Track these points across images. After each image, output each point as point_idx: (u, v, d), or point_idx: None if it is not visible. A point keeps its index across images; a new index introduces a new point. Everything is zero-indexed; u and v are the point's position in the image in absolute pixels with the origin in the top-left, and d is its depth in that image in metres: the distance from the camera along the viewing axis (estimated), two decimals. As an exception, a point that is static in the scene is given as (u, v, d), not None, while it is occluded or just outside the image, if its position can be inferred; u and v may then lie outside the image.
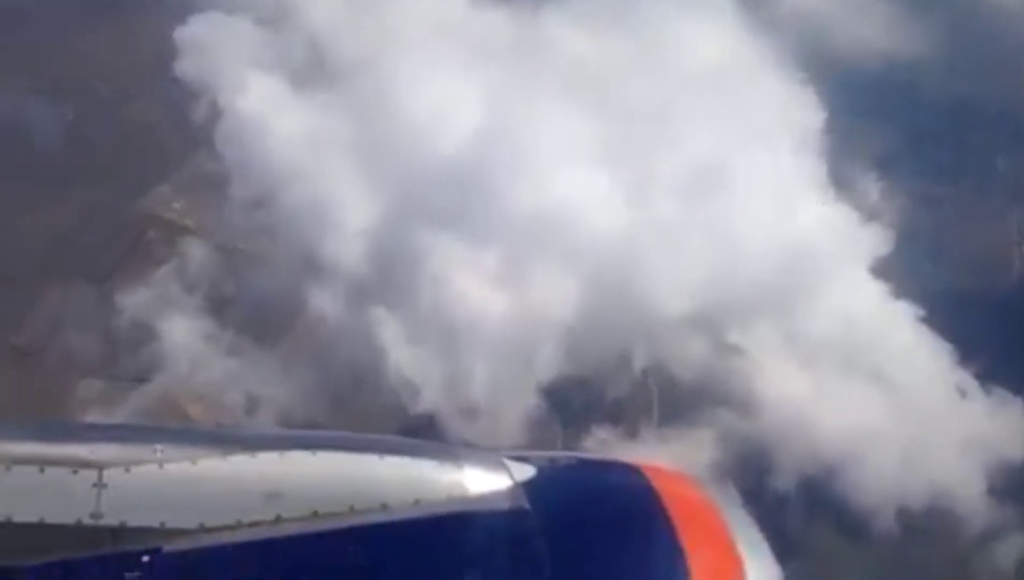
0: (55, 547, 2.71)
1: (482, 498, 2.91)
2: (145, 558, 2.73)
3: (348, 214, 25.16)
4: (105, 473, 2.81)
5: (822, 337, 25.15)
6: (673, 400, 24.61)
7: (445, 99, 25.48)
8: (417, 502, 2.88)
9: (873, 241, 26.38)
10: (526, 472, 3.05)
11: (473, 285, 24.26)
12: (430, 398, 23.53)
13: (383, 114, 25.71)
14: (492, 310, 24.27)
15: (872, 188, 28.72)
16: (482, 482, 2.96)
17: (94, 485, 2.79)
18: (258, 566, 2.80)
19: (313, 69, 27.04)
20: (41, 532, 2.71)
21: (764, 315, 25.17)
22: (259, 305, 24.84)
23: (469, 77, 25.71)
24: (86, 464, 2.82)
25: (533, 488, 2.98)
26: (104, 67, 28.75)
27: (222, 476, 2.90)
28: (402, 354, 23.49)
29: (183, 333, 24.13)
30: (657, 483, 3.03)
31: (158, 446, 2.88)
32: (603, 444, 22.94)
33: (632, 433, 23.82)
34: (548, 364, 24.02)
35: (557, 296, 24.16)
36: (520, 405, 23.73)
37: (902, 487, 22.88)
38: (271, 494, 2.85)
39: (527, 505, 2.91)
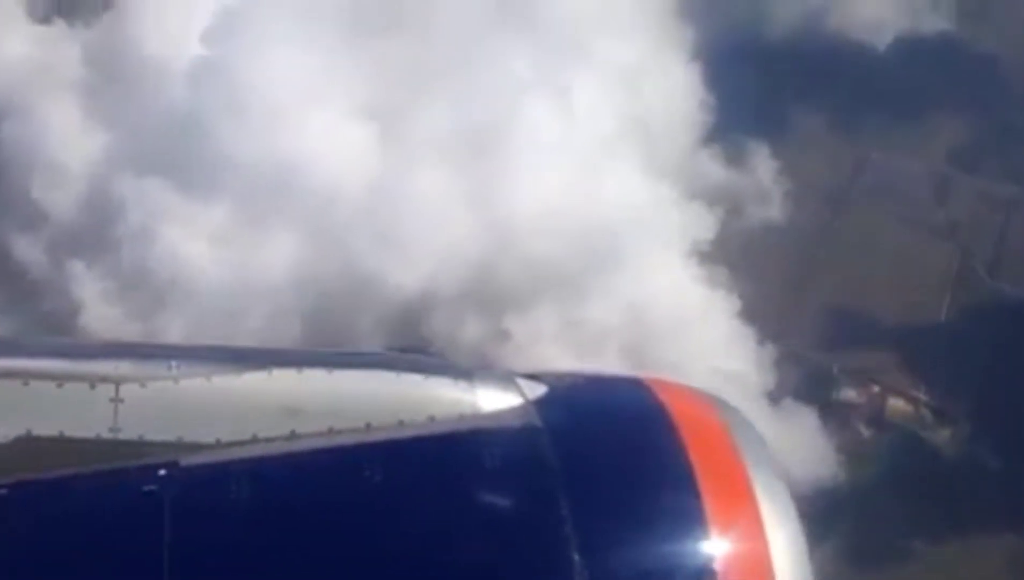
0: (75, 461, 2.70)
1: (495, 415, 2.89)
2: (162, 471, 2.68)
3: (61, 154, 22.69)
4: (122, 388, 2.79)
5: (612, 325, 20.44)
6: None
7: (175, 29, 23.04)
8: (431, 419, 2.83)
9: (697, 224, 21.73)
10: (538, 390, 2.98)
11: (186, 242, 20.97)
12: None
13: (110, 47, 23.55)
14: (205, 272, 20.77)
15: (764, 164, 25.85)
16: (495, 399, 2.93)
17: (111, 400, 2.77)
18: (274, 480, 2.74)
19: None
20: (61, 446, 2.71)
21: (548, 299, 20.77)
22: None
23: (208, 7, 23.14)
24: (103, 379, 2.79)
25: (545, 405, 2.93)
26: None
27: (238, 392, 2.84)
28: (97, 313, 20.28)
29: None
30: (668, 399, 2.95)
31: (173, 362, 2.86)
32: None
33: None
34: (268, 339, 20.07)
35: (285, 262, 20.47)
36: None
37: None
38: (287, 410, 2.79)
39: (538, 422, 2.85)
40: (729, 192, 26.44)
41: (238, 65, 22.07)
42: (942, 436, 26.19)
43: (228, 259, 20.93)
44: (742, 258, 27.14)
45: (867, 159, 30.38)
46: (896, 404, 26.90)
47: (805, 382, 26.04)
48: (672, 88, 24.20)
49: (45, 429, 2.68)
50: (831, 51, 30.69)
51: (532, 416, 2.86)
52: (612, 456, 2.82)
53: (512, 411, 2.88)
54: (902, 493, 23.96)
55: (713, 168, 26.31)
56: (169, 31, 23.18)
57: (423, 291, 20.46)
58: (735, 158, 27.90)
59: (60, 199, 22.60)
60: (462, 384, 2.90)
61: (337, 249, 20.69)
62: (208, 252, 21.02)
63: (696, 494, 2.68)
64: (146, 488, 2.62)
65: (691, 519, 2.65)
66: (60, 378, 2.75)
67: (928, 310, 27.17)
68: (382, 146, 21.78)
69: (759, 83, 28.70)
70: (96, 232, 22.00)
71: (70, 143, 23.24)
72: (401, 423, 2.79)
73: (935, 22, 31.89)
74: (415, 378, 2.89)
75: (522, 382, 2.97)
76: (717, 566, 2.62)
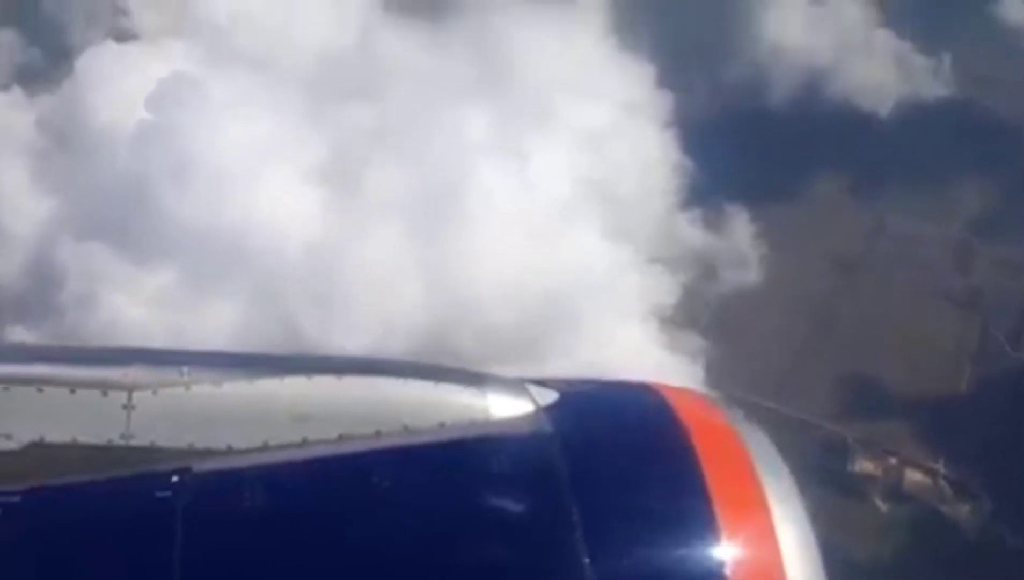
0: (87, 467, 2.70)
1: (505, 422, 2.87)
2: (175, 478, 2.68)
3: (7, 219, 22.50)
4: (134, 395, 2.78)
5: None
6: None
7: (128, 95, 22.85)
8: (441, 425, 2.82)
9: (658, 288, 20.98)
10: (548, 396, 2.95)
11: (129, 308, 20.36)
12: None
13: (63, 113, 23.47)
14: (146, 337, 20.10)
15: (742, 227, 25.45)
16: (505, 406, 2.91)
17: (124, 407, 2.77)
18: (285, 486, 2.73)
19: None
20: (73, 452, 2.72)
21: (503, 364, 19.69)
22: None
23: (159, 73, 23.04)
24: (115, 386, 2.79)
25: (555, 412, 2.91)
26: None
27: (249, 399, 2.83)
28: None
29: None
30: (678, 405, 2.93)
31: (185, 369, 2.85)
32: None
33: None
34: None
35: (228, 327, 19.78)
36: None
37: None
38: (298, 416, 2.79)
39: (550, 428, 2.84)
40: (709, 256, 25.70)
41: (183, 130, 21.73)
42: (962, 511, 25.08)
43: (170, 324, 20.14)
44: (750, 324, 26.28)
45: (881, 225, 29.54)
46: (914, 477, 25.80)
47: (819, 452, 24.88)
48: (644, 153, 23.53)
49: (58, 436, 2.68)
50: (834, 118, 30.25)
51: (543, 422, 2.82)
52: (623, 462, 2.79)
53: (523, 418, 2.85)
54: (920, 570, 22.83)
55: (693, 232, 25.61)
56: (122, 97, 23.02)
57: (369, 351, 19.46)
58: (721, 223, 27.24)
59: (4, 264, 22.15)
60: (472, 391, 2.87)
61: (280, 314, 19.91)
62: (150, 317, 20.25)
63: (708, 500, 2.64)
64: (158, 494, 2.61)
65: (703, 525, 2.61)
66: (73, 385, 2.73)
67: (948, 379, 26.29)
68: (333, 210, 21.21)
69: (764, 150, 28.17)
70: (39, 297, 21.62)
71: (17, 208, 22.96)
72: (412, 430, 2.76)
73: (935, 88, 31.38)
74: (425, 385, 2.86)
75: (533, 388, 2.93)
76: (729, 571, 2.58)
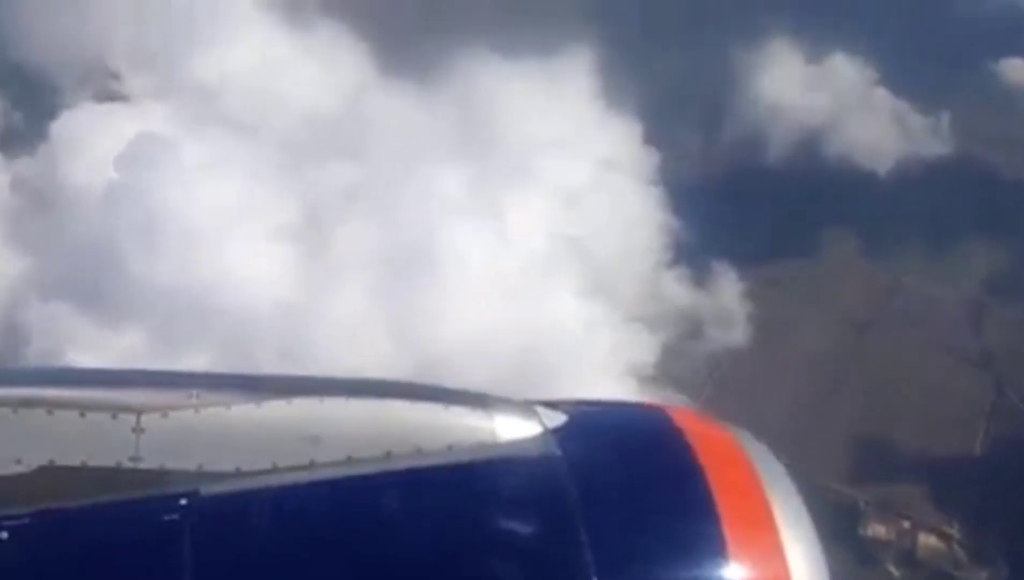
0: (96, 490, 2.73)
1: (514, 444, 2.90)
2: (183, 500, 2.70)
3: None
4: (143, 418, 2.79)
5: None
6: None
7: (101, 157, 22.61)
8: (450, 447, 2.85)
9: (639, 346, 20.38)
10: (556, 418, 2.98)
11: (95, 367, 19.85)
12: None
13: (38, 175, 23.22)
14: None
15: (731, 287, 24.92)
16: (514, 428, 2.93)
17: (133, 429, 2.78)
18: (294, 509, 2.75)
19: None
20: (83, 475, 2.74)
21: None
22: None
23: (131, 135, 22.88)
24: (125, 409, 2.80)
25: (564, 434, 2.94)
26: None
27: (257, 421, 2.84)
28: None
29: None
30: (687, 427, 2.98)
31: (194, 391, 2.87)
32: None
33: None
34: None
35: None
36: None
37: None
38: (306, 439, 2.81)
39: (558, 450, 2.88)
40: (697, 315, 25.25)
41: (151, 190, 21.57)
42: (978, 577, 24.45)
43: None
44: (749, 384, 25.72)
45: (889, 285, 29.27)
46: (928, 541, 25.17)
47: (829, 516, 23.90)
48: (628, 211, 23.24)
49: (68, 458, 2.67)
50: (832, 176, 30.06)
51: (551, 445, 2.82)
52: (631, 483, 2.77)
53: (531, 440, 2.85)
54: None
55: (679, 290, 25.20)
56: (98, 158, 22.95)
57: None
58: (710, 282, 26.85)
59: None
60: (481, 413, 2.86)
61: (246, 371, 19.32)
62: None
63: (716, 520, 2.64)
64: (167, 517, 2.61)
65: (712, 546, 2.62)
66: (82, 407, 2.71)
67: (962, 441, 25.76)
68: (307, 269, 20.93)
69: (762, 208, 27.93)
70: (6, 356, 21.30)
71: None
72: (420, 452, 2.76)
73: (934, 146, 31.19)
74: (434, 407, 2.85)
75: (541, 410, 2.92)
76: None
